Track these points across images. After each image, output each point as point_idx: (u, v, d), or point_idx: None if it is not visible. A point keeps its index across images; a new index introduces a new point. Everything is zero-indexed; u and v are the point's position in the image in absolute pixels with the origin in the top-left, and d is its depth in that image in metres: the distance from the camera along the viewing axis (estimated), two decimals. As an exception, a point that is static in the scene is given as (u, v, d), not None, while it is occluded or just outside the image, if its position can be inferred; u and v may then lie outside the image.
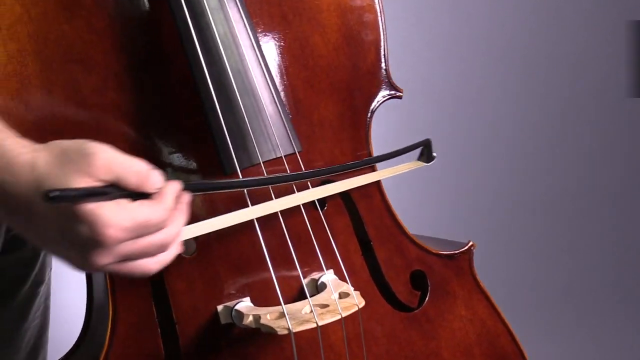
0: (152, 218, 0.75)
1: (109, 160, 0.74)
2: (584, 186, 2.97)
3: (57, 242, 0.76)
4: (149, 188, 0.76)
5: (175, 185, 0.80)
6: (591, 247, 2.91)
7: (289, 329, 0.95)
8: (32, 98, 0.93)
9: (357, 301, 1.00)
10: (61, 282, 1.61)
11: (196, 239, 1.02)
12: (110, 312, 1.00)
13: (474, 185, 2.86)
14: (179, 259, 1.02)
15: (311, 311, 0.98)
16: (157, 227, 0.76)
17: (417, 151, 1.17)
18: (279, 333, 0.95)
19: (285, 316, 0.96)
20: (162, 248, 0.78)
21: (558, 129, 2.95)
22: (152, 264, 0.79)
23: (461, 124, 2.84)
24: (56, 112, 0.94)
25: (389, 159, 1.10)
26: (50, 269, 1.26)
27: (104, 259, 0.75)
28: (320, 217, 1.07)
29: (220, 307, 1.04)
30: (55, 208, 0.73)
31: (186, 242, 1.03)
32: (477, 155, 2.85)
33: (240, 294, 1.05)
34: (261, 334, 1.05)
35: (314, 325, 0.95)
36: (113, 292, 1.00)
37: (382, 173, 1.13)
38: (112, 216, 0.72)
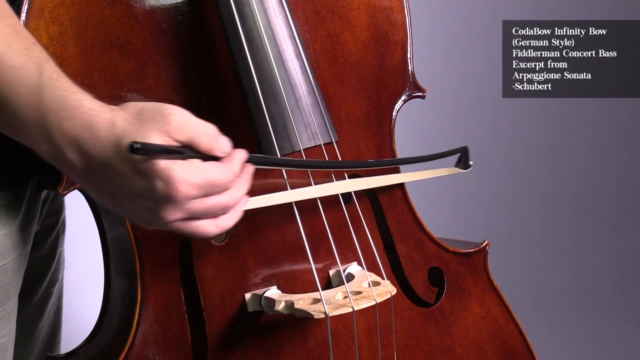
0: (220, 178, 0.80)
1: (184, 121, 0.78)
2: (586, 186, 2.97)
3: (129, 198, 0.79)
4: (218, 151, 0.80)
5: (242, 153, 0.84)
6: (592, 247, 2.92)
7: (325, 313, 0.96)
8: (71, 81, 0.94)
9: (389, 288, 1.02)
10: (73, 283, 1.59)
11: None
12: (139, 296, 1.01)
13: (473, 185, 2.85)
14: (208, 246, 1.04)
15: (344, 297, 0.99)
16: (223, 188, 0.81)
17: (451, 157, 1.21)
18: (316, 317, 0.96)
19: (321, 301, 0.98)
20: (225, 210, 0.83)
21: (560, 129, 2.96)
22: (213, 227, 0.83)
23: (463, 125, 2.84)
24: (94, 95, 0.95)
25: (426, 160, 1.16)
26: (64, 268, 1.26)
27: (174, 215, 0.79)
28: (349, 211, 1.09)
29: (248, 295, 1.05)
30: (133, 164, 0.76)
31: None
32: (479, 156, 2.85)
33: (267, 283, 1.06)
34: (287, 324, 1.06)
35: (350, 310, 0.97)
36: (142, 276, 1.01)
37: (418, 175, 1.17)
38: (185, 173, 0.77)
